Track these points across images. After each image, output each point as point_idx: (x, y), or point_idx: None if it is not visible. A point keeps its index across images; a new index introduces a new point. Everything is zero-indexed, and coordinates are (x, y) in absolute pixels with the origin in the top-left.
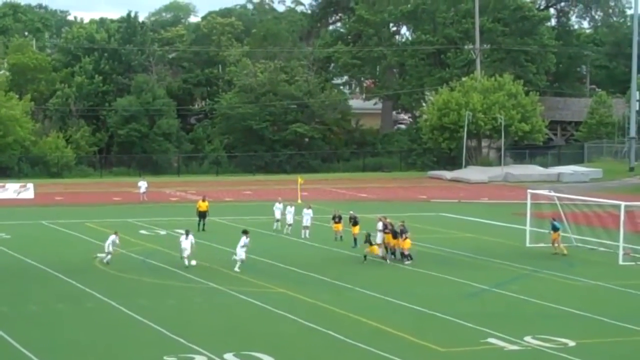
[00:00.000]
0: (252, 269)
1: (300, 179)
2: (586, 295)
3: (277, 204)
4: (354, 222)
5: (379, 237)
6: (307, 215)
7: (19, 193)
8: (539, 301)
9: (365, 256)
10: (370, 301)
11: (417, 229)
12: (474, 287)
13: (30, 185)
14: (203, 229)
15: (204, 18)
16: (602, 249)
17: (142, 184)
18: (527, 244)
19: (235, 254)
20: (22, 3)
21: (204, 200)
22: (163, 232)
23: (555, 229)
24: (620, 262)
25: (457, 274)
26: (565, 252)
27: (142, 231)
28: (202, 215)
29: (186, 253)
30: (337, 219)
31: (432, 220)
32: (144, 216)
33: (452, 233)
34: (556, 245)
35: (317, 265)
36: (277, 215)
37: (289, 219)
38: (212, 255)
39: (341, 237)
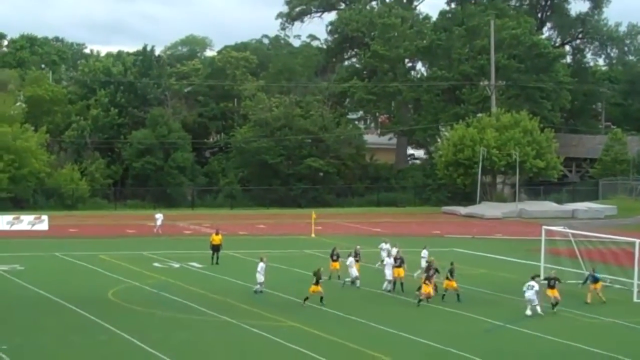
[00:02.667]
0: (265, 302)
1: (314, 213)
2: (601, 333)
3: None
4: (357, 257)
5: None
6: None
7: (33, 225)
8: (555, 338)
9: (306, 298)
10: (384, 336)
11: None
12: (489, 323)
13: (44, 217)
14: (217, 263)
15: (219, 52)
16: (617, 286)
17: (159, 217)
18: (542, 281)
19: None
20: (39, 36)
21: (217, 234)
22: (177, 265)
23: (595, 280)
24: (635, 300)
25: (471, 310)
26: (604, 299)
27: (156, 264)
28: (216, 248)
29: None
30: (335, 257)
31: (446, 255)
32: (158, 249)
33: (466, 269)
34: (599, 294)
35: (331, 300)
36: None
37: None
38: (226, 288)
39: (338, 276)
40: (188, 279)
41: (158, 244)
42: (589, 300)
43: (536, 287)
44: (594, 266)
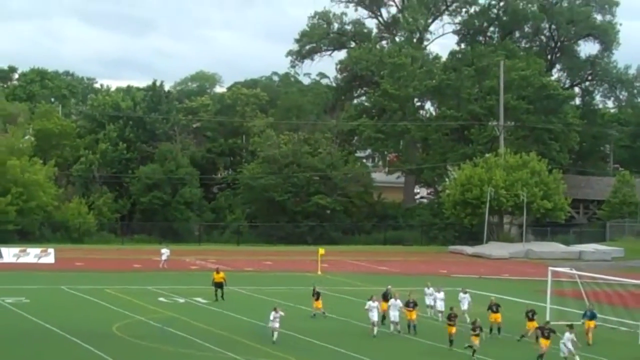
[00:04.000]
0: (271, 339)
1: (321, 250)
2: None
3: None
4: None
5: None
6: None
7: (39, 258)
8: None
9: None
10: None
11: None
12: None
13: (51, 250)
14: (222, 298)
15: (229, 88)
16: (623, 328)
17: (165, 252)
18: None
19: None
20: (50, 70)
21: (218, 272)
22: (182, 300)
23: (592, 317)
24: None
25: (483, 352)
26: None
27: (161, 299)
28: (219, 285)
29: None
30: (316, 295)
31: (452, 295)
32: (164, 284)
33: (473, 308)
34: (589, 334)
35: (336, 337)
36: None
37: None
38: (232, 324)
39: (323, 313)
40: (193, 314)
41: (164, 279)
42: (590, 342)
43: (573, 337)
44: (593, 306)
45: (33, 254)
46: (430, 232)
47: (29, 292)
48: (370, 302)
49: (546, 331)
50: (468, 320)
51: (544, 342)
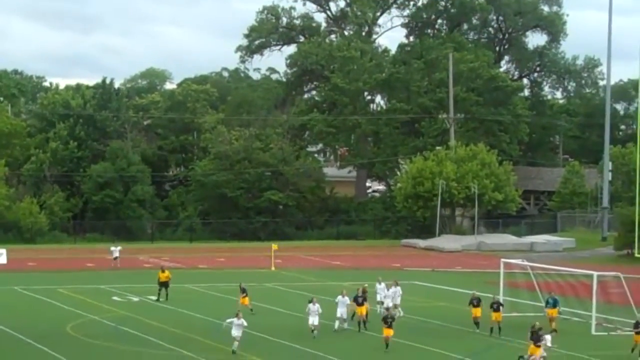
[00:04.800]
0: (227, 336)
1: (274, 246)
2: None
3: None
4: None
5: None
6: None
7: None
8: None
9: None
10: None
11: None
12: (448, 356)
13: (3, 251)
14: (166, 298)
15: (179, 85)
16: (575, 318)
17: (114, 249)
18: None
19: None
20: None
21: (163, 271)
22: (136, 299)
23: (555, 304)
24: (593, 332)
25: (431, 343)
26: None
27: (115, 297)
28: (164, 284)
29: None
30: (243, 292)
31: (405, 288)
32: (117, 282)
33: (426, 301)
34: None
35: (294, 334)
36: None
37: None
38: (186, 322)
39: (251, 310)
40: (147, 312)
41: (117, 278)
42: (556, 329)
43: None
44: (554, 293)
45: None
46: (382, 226)
47: None
48: (340, 297)
49: (495, 304)
50: (400, 314)
51: (495, 315)
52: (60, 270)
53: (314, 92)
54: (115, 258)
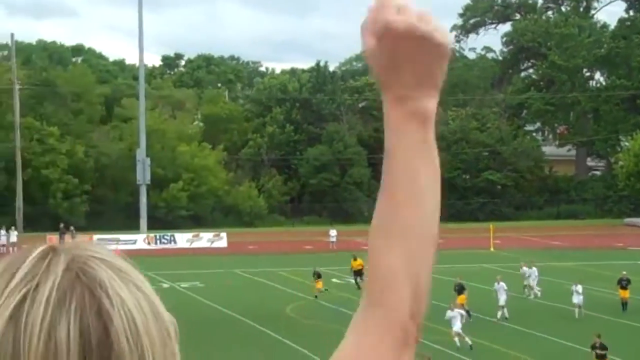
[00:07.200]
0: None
1: (492, 226)
2: None
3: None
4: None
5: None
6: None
7: (212, 242)
8: None
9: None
10: None
11: (613, 278)
12: None
13: (223, 235)
14: (358, 288)
15: None
16: None
17: (333, 233)
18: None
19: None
20: (215, 55)
21: (355, 259)
22: (354, 281)
23: None
24: None
25: None
26: None
27: (335, 279)
28: (357, 273)
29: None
30: (316, 275)
31: (628, 269)
32: (335, 265)
33: None
34: None
35: (529, 316)
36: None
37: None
38: None
39: (326, 289)
40: None
41: (335, 260)
42: None
43: None
44: None
45: (206, 239)
46: (604, 205)
47: (203, 277)
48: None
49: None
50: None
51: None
52: (279, 253)
53: (530, 70)
54: (333, 242)
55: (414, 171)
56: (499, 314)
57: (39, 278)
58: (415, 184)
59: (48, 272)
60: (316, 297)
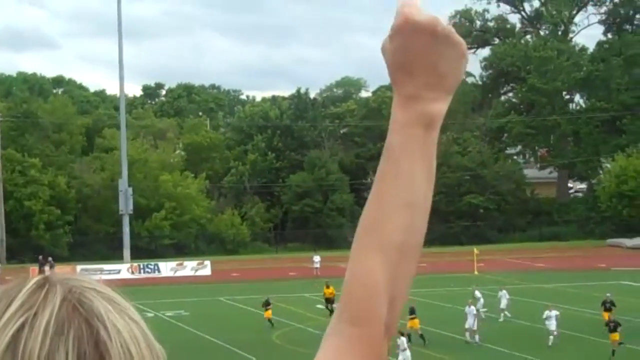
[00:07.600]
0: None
1: (476, 249)
2: None
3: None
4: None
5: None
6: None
7: (196, 270)
8: None
9: None
10: None
11: (597, 299)
12: None
13: (207, 263)
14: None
15: (374, 92)
16: None
17: (317, 259)
18: None
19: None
20: (196, 84)
21: (327, 287)
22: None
23: None
24: None
25: None
26: None
27: (319, 305)
28: (329, 301)
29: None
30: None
31: (612, 289)
32: (320, 291)
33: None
34: None
35: (504, 338)
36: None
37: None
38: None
39: (271, 323)
40: None
41: (320, 286)
42: None
43: None
44: None
45: (190, 267)
46: (586, 226)
47: (187, 305)
48: (547, 312)
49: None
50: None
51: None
52: (263, 280)
53: (510, 94)
54: (317, 267)
55: (409, 177)
56: (467, 334)
57: (36, 307)
58: (408, 192)
59: (45, 302)
60: (272, 324)
